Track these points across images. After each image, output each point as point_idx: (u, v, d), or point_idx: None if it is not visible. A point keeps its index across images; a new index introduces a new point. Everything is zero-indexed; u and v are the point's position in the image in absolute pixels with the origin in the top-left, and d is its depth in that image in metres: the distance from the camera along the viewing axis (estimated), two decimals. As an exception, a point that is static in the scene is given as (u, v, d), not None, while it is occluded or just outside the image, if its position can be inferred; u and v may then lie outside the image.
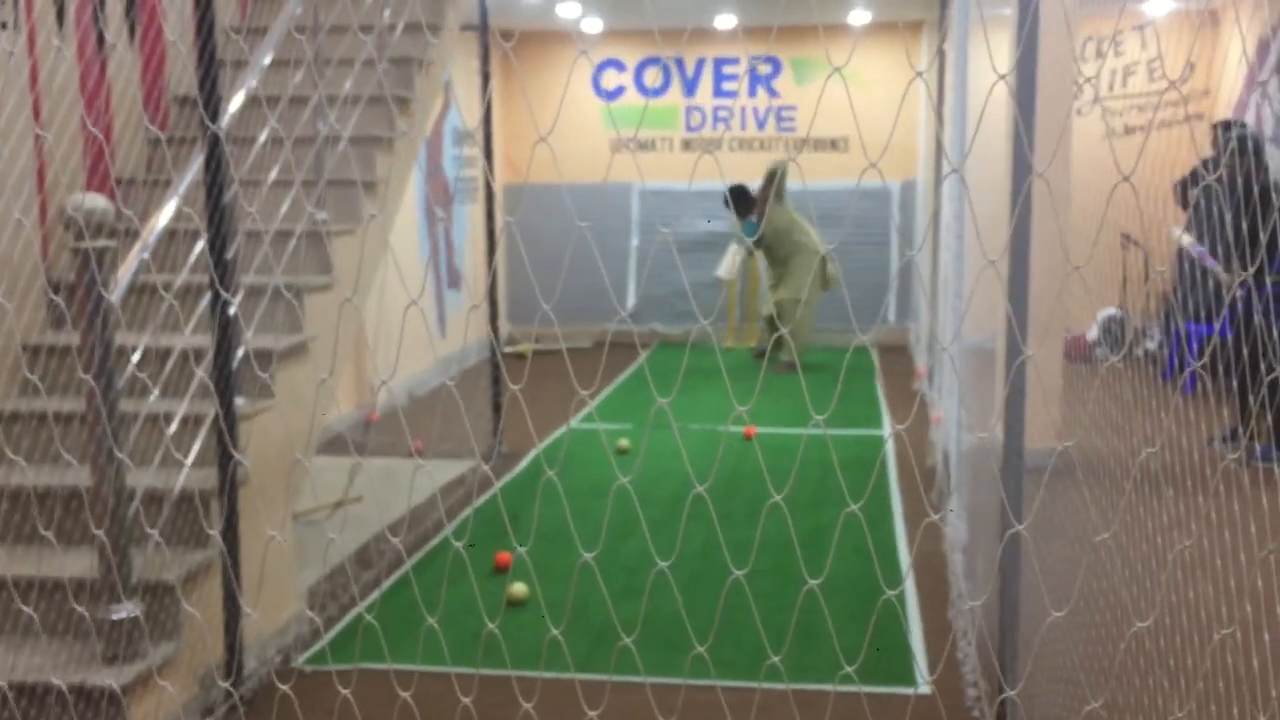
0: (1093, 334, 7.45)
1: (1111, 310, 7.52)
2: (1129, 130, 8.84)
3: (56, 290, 4.18)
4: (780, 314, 9.03)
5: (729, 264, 9.67)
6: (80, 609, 3.27)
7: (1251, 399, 4.39)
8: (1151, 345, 6.79)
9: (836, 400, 7.69)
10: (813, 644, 3.86)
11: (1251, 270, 1.63)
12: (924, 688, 3.58)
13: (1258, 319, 5.05)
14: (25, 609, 3.31)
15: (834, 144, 10.19)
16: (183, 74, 5.10)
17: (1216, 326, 2.17)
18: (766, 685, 3.51)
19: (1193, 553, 2.16)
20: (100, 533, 3.09)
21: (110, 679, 3.06)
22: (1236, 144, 6.04)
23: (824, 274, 8.96)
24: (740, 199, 9.14)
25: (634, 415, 7.37)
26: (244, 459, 3.62)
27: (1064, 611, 1.59)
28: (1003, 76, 1.67)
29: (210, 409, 3.58)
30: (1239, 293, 5.10)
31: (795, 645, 3.84)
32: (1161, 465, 2.33)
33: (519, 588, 4.31)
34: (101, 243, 3.10)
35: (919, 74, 1.81)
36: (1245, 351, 2.58)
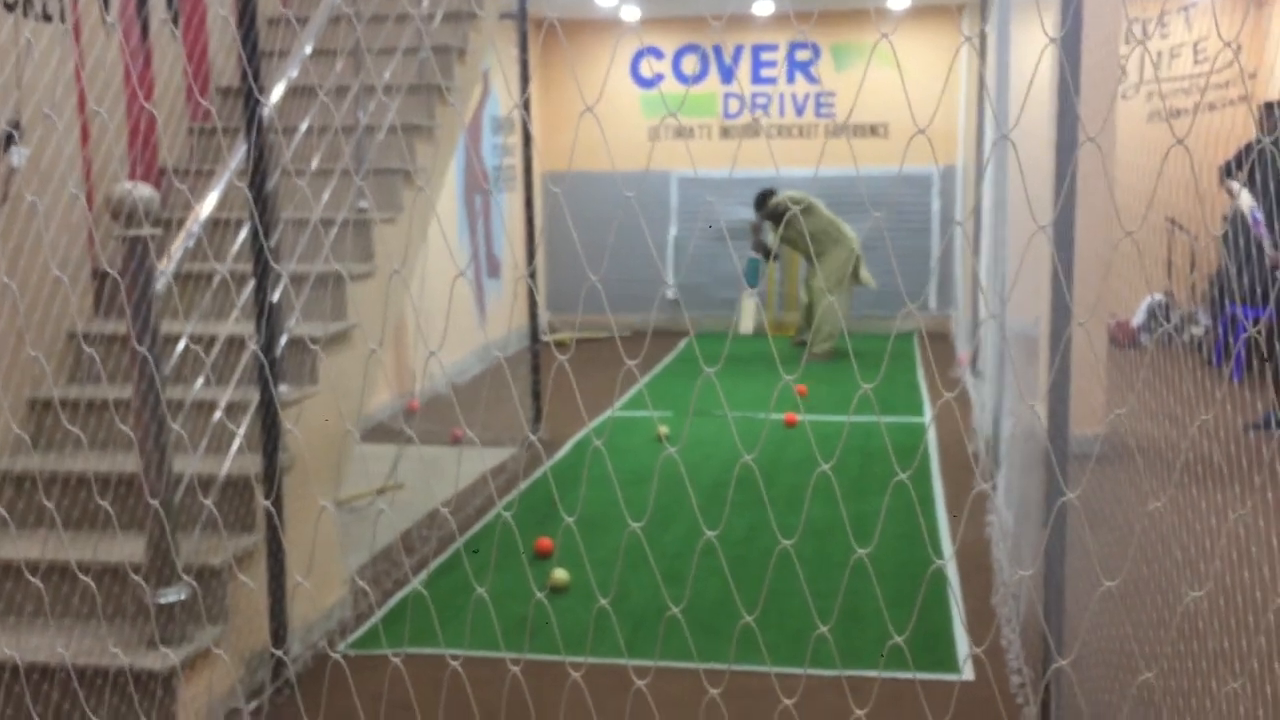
0: (1138, 319, 7.35)
1: (1158, 295, 7.42)
2: (1175, 113, 8.70)
3: (104, 279, 4.23)
4: (814, 301, 9.01)
5: (748, 316, 9.51)
6: (134, 590, 3.32)
7: None
8: (1198, 330, 6.70)
9: (877, 387, 7.64)
10: (856, 629, 3.85)
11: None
12: (968, 674, 3.55)
13: None
14: (78, 592, 3.36)
15: (874, 130, 10.12)
16: (225, 64, 5.14)
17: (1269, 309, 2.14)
18: (810, 671, 3.51)
19: (1243, 532, 2.13)
20: (154, 512, 3.13)
21: (160, 661, 3.10)
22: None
23: (857, 273, 8.91)
24: (765, 203, 9.06)
25: (673, 402, 7.38)
26: (288, 445, 3.66)
27: (1116, 581, 1.57)
28: (1053, 40, 1.65)
29: (255, 396, 3.61)
30: None
31: (838, 630, 3.83)
32: (1208, 448, 2.30)
33: (560, 573, 4.33)
34: (146, 230, 3.14)
35: (968, 39, 1.78)
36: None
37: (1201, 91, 8.50)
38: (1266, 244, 5.91)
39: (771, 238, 9.09)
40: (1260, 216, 5.95)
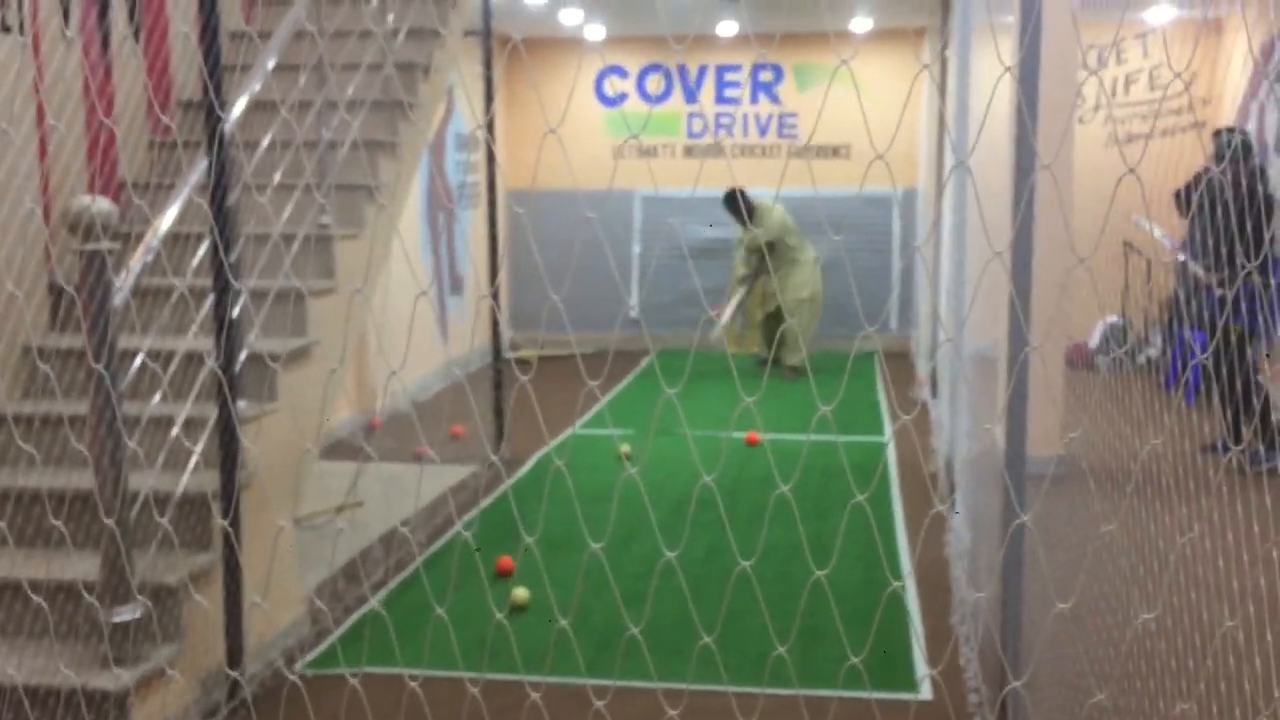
0: (1095, 341, 7.44)
1: (1114, 318, 7.52)
2: (1131, 138, 8.85)
3: (60, 293, 4.19)
4: (785, 316, 9.05)
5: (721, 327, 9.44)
6: (88, 609, 3.27)
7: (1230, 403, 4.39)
8: (1154, 353, 6.79)
9: (837, 407, 7.67)
10: (816, 649, 3.86)
11: (1229, 273, 1.63)
12: (926, 693, 3.57)
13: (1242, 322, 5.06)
14: (30, 610, 3.31)
15: (836, 151, 10.20)
16: (187, 78, 5.11)
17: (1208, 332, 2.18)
18: (769, 691, 3.51)
19: (1194, 554, 2.16)
20: (109, 530, 3.10)
21: (113, 681, 3.06)
22: (1236, 149, 6.05)
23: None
24: (734, 204, 9.10)
25: (637, 420, 7.38)
26: (246, 462, 3.63)
27: (1069, 603, 1.59)
28: (1009, 69, 1.68)
29: (214, 412, 3.58)
30: (1219, 296, 5.13)
31: (799, 650, 3.83)
32: (1162, 469, 2.33)
33: (521, 592, 4.31)
34: (105, 245, 3.11)
35: (925, 67, 1.81)
36: (1222, 357, 2.58)
37: (1156, 117, 8.64)
38: (1194, 266, 6.03)
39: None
40: (1173, 242, 6.07)
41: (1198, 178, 6.12)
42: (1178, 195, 6.12)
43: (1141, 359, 6.64)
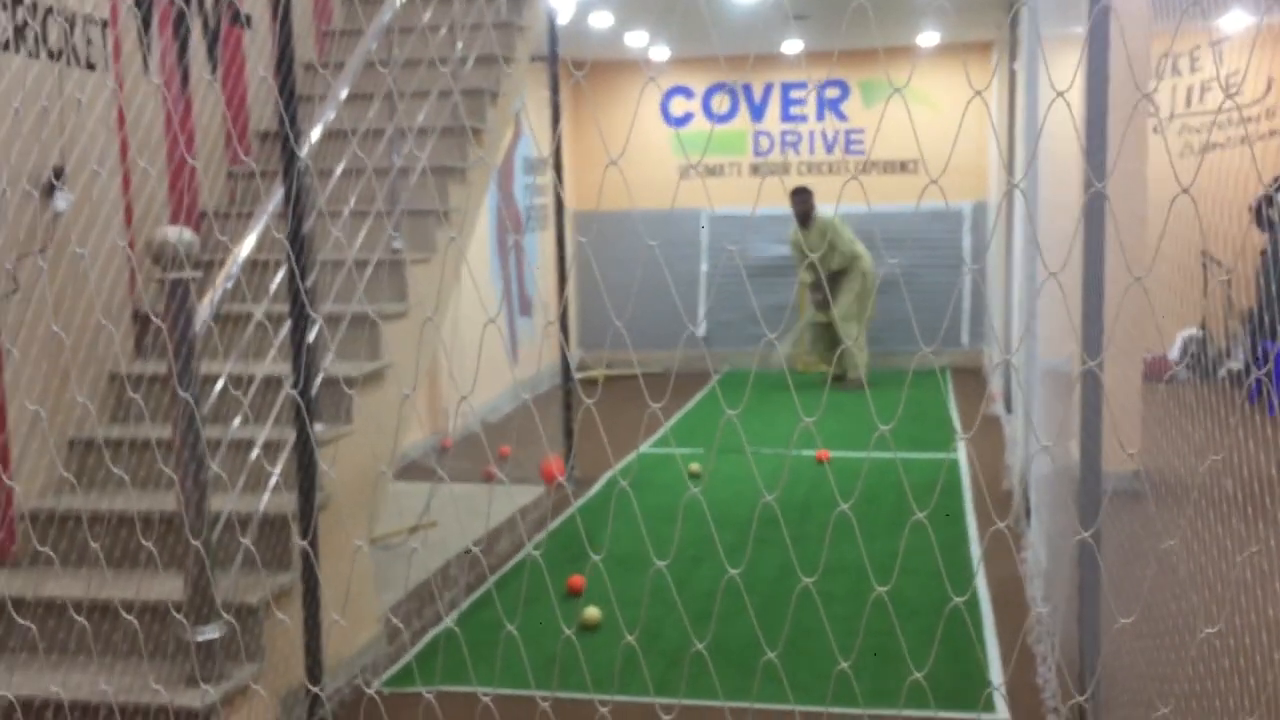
0: (1174, 354, 7.29)
1: (1192, 330, 7.36)
2: (1210, 147, 8.67)
3: (145, 321, 4.31)
4: (837, 331, 9.03)
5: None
6: (173, 628, 3.35)
7: None
8: (1236, 366, 6.64)
9: (908, 423, 7.61)
10: (890, 667, 3.83)
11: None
12: (1003, 712, 3.52)
13: None
14: (119, 629, 3.40)
15: (903, 166, 10.14)
16: (264, 109, 5.24)
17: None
18: (842, 709, 3.49)
19: (1268, 568, 2.12)
20: (193, 550, 3.17)
21: (199, 699, 3.13)
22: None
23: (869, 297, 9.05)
24: (802, 199, 9.17)
25: (706, 439, 7.38)
26: (323, 484, 3.70)
27: (1131, 618, 1.57)
28: (1061, 94, 1.67)
29: (291, 435, 3.66)
30: None
31: (873, 668, 3.81)
32: (1252, 486, 2.29)
33: (592, 611, 4.33)
34: (186, 273, 3.20)
35: (978, 93, 1.81)
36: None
37: (1238, 125, 8.46)
38: None
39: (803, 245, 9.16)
40: None
41: (1278, 187, 5.99)
42: (1256, 205, 5.99)
43: (1223, 372, 6.49)
